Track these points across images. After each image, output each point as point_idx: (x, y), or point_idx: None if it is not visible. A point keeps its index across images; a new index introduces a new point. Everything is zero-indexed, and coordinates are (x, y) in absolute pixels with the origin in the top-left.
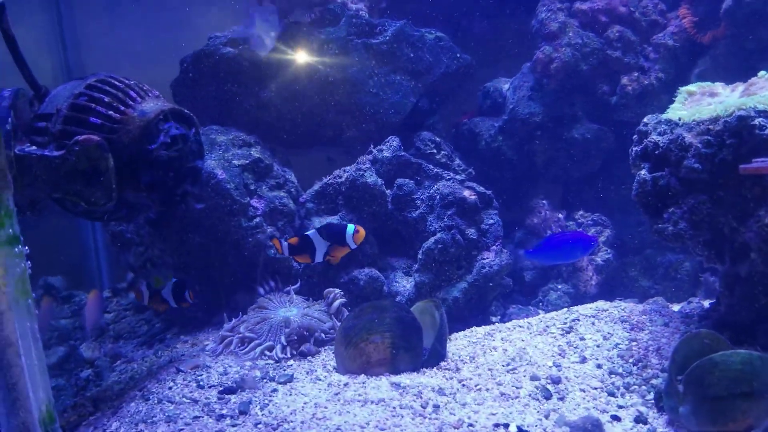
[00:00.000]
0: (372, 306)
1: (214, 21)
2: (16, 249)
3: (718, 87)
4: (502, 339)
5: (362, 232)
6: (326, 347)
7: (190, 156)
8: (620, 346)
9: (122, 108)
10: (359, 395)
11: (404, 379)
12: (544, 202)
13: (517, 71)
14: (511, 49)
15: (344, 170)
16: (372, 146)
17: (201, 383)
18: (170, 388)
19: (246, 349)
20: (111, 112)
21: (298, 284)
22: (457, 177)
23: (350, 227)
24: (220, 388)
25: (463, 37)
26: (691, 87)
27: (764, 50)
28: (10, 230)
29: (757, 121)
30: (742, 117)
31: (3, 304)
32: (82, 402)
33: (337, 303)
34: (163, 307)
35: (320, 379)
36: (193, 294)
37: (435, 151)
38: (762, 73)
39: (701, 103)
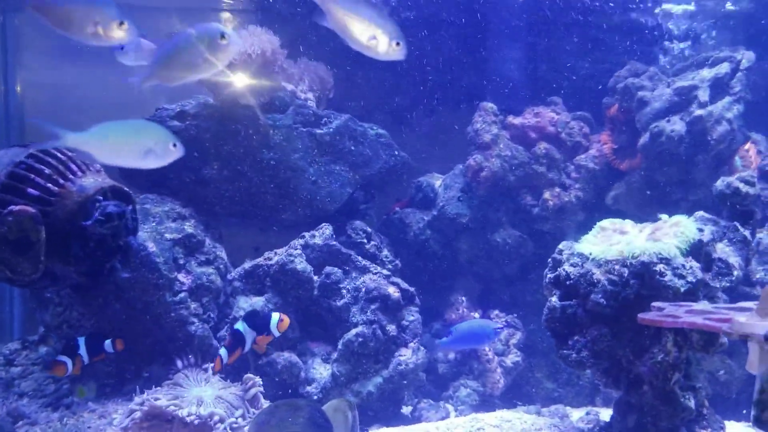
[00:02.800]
0: (287, 404)
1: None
2: None
3: (628, 225)
4: None
5: (286, 320)
6: None
7: (123, 232)
8: None
9: (61, 181)
10: None
11: None
12: (462, 299)
13: (450, 168)
14: (447, 146)
15: (275, 253)
16: (305, 232)
17: None
18: None
19: (161, 397)
20: (50, 185)
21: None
22: (383, 271)
23: (275, 316)
24: None
25: (401, 129)
26: (604, 222)
27: (673, 185)
28: None
29: (658, 267)
30: (645, 263)
31: None
32: None
33: (253, 391)
34: (78, 369)
35: None
36: (113, 345)
37: (365, 240)
38: (665, 216)
39: (611, 239)
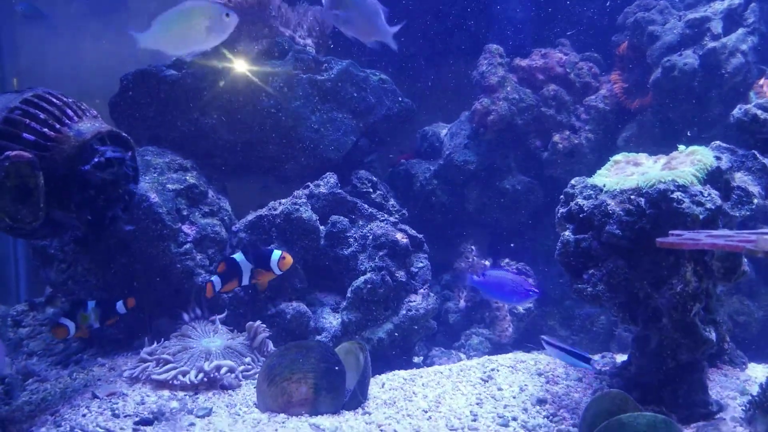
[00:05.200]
0: (297, 345)
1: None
2: None
3: (642, 157)
4: (422, 385)
5: (288, 258)
6: (248, 381)
7: (123, 180)
8: (535, 398)
9: (57, 126)
10: None
11: (324, 421)
12: (472, 247)
13: (456, 117)
14: (451, 95)
15: (280, 203)
16: (309, 181)
17: (116, 412)
18: (84, 415)
19: (160, 370)
20: (46, 130)
21: (224, 314)
22: (391, 218)
23: (276, 252)
24: (136, 419)
25: (407, 81)
26: (618, 156)
27: (686, 122)
28: None
29: (675, 195)
30: (662, 190)
31: None
32: None
33: (260, 337)
34: (86, 332)
35: (239, 415)
36: (125, 307)
37: (371, 190)
38: (682, 147)
39: (626, 171)
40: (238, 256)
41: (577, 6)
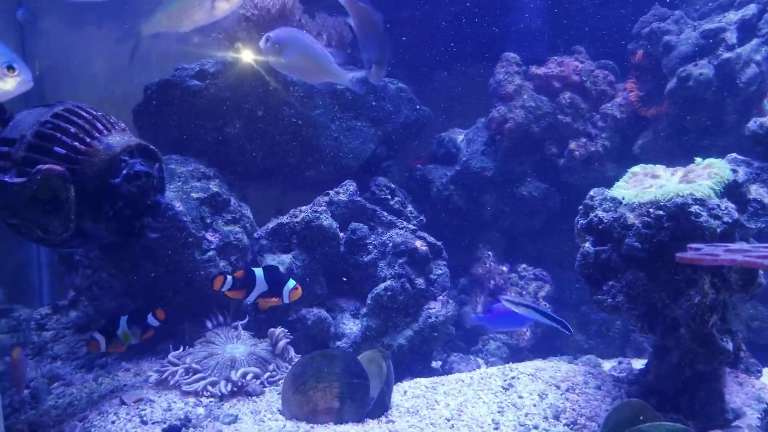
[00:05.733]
0: (322, 354)
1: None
2: None
3: (660, 170)
4: (444, 393)
5: (299, 291)
6: (271, 387)
7: (151, 191)
8: (555, 406)
9: (88, 140)
10: None
11: (349, 429)
12: (489, 253)
13: (472, 123)
14: (467, 101)
15: (301, 210)
16: (329, 190)
17: (144, 419)
18: (113, 422)
19: (190, 380)
20: (76, 143)
21: (246, 320)
22: (409, 226)
23: (291, 282)
24: (164, 425)
25: (424, 87)
26: (636, 168)
27: (701, 131)
28: None
29: (693, 209)
30: (679, 204)
31: None
32: (20, 427)
33: (281, 343)
34: (122, 347)
35: (264, 422)
36: (155, 317)
37: (389, 196)
38: (699, 160)
39: (644, 183)
40: (259, 271)
41: (593, 14)
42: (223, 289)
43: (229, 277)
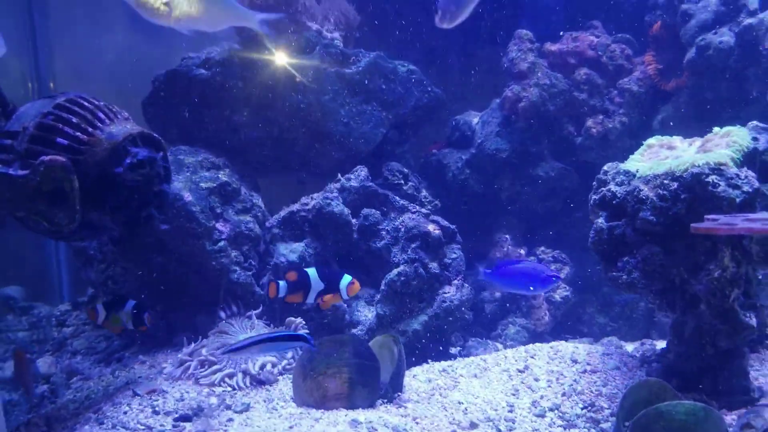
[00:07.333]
0: (331, 340)
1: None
2: None
3: (676, 141)
4: (458, 376)
5: (357, 285)
6: (284, 376)
7: (156, 180)
8: (573, 388)
9: (90, 130)
10: (315, 430)
11: (360, 414)
12: (506, 236)
13: (487, 105)
14: (482, 83)
15: (312, 197)
16: (340, 175)
17: (157, 409)
18: (125, 412)
19: (206, 372)
20: (78, 134)
21: (260, 309)
22: (423, 210)
23: (347, 277)
24: (176, 415)
25: (436, 70)
26: (651, 140)
27: (722, 101)
28: None
29: (710, 179)
30: (696, 174)
31: None
32: (36, 421)
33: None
34: (118, 329)
35: (276, 410)
36: (152, 317)
37: (402, 181)
38: (717, 129)
39: (659, 155)
40: (311, 271)
41: None
42: (279, 296)
43: (282, 282)
